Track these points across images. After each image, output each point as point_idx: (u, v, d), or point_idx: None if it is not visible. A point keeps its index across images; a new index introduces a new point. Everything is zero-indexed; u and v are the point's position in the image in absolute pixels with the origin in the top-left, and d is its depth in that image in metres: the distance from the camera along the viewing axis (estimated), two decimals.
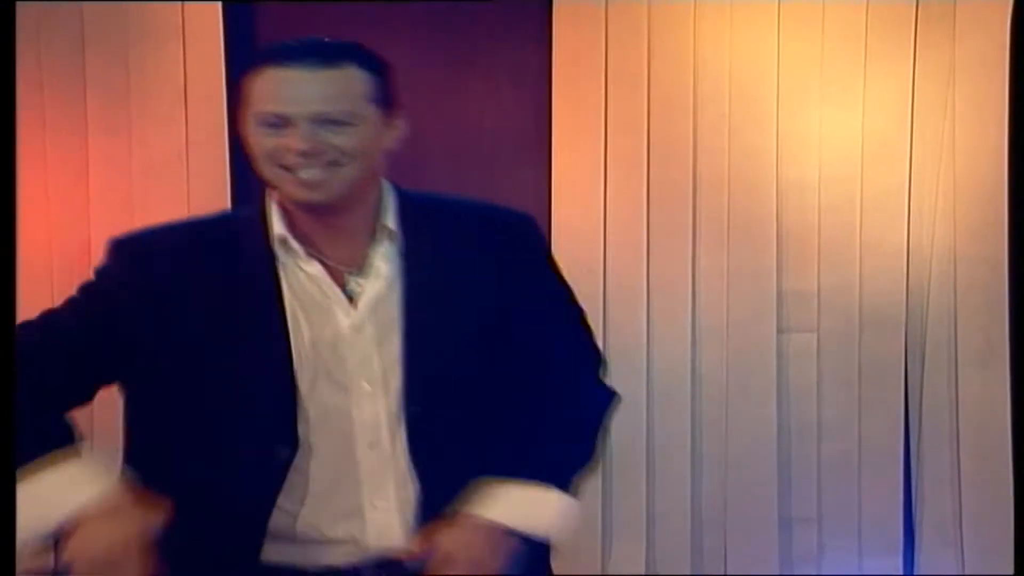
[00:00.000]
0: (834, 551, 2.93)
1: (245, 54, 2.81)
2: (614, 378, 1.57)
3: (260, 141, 1.28)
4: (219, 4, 2.78)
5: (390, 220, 1.33)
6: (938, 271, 2.89)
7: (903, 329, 2.87)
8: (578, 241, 2.77)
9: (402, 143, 1.36)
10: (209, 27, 2.77)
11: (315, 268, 1.30)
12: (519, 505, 1.29)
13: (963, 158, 2.85)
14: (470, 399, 1.34)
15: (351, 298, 1.31)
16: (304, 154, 1.23)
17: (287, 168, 1.25)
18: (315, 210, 1.29)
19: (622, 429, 2.70)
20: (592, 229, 2.79)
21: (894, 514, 2.91)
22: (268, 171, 1.28)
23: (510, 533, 1.27)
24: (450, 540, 1.26)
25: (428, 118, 2.69)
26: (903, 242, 2.87)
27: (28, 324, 1.32)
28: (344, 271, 1.32)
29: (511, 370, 1.36)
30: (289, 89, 1.25)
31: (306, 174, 1.24)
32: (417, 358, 1.31)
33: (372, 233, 1.33)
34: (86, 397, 1.34)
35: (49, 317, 1.33)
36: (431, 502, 1.31)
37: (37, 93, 2.75)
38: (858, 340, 2.87)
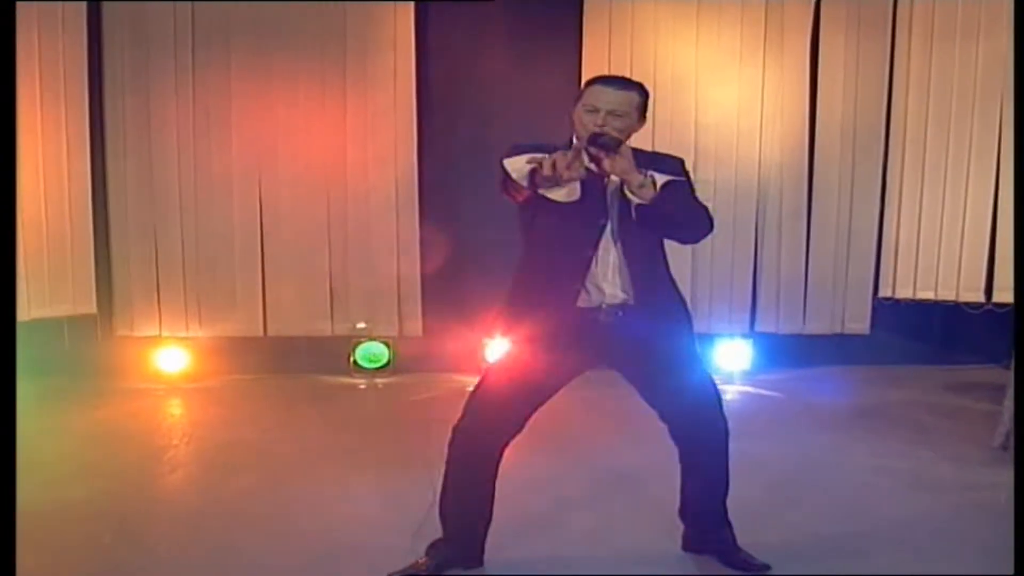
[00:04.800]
0: (716, 301, 5.41)
1: (421, 47, 5.07)
2: None
3: (583, 118, 2.47)
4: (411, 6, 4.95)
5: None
6: (771, 168, 5.34)
7: (755, 198, 5.36)
8: None
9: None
10: (406, 35, 5.03)
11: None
12: None
13: (788, 113, 5.30)
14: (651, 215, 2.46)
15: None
16: (600, 126, 2.43)
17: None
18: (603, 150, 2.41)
19: None
20: None
21: (748, 285, 5.44)
22: (582, 132, 2.45)
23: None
24: None
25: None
26: (756, 156, 5.33)
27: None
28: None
29: (671, 210, 2.49)
30: (602, 96, 2.46)
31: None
32: (626, 201, 2.48)
33: None
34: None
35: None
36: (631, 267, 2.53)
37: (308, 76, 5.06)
38: (734, 204, 5.34)
